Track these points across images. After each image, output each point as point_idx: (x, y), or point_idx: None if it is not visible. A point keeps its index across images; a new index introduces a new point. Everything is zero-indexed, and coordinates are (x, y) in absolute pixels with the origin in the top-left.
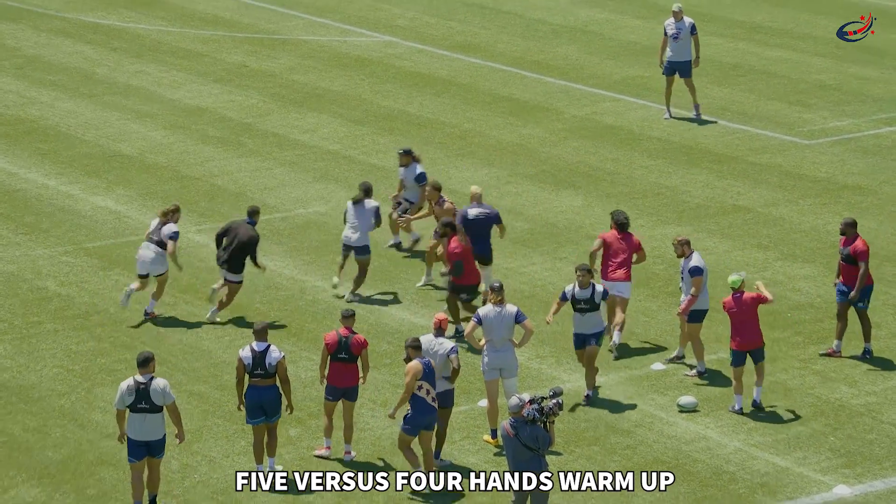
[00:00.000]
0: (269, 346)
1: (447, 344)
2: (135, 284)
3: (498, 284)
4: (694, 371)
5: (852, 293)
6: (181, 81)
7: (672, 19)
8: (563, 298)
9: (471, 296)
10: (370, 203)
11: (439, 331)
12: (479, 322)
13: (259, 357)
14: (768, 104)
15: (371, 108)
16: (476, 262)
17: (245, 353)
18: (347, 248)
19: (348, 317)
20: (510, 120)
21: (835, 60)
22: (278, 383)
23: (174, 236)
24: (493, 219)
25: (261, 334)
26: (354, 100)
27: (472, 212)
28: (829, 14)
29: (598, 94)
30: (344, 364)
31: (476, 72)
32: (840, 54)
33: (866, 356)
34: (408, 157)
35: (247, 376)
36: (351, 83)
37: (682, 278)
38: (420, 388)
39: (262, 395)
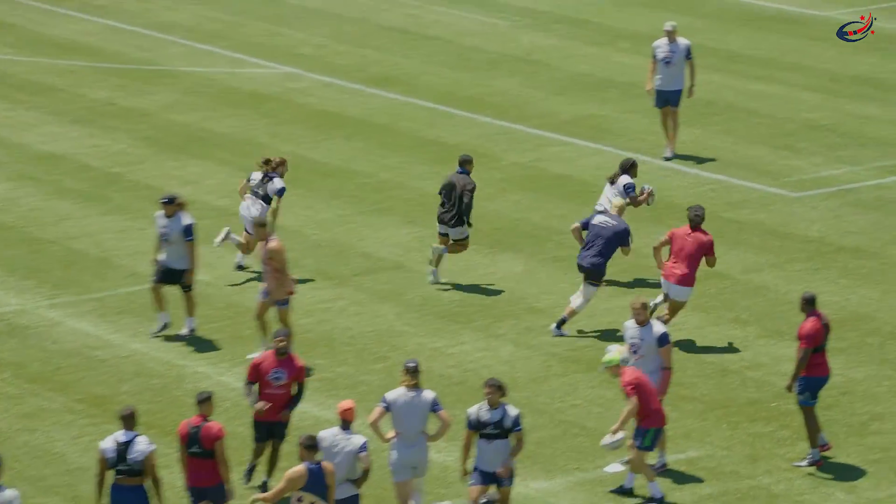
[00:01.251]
0: (136, 436)
1: (356, 439)
2: (239, 237)
3: (413, 364)
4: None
5: (787, 383)
6: (32, 122)
7: (664, 40)
8: (470, 426)
9: None
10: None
11: (346, 423)
12: (388, 408)
13: (123, 449)
14: (749, 149)
15: (268, 154)
16: None
17: (107, 444)
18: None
19: (202, 402)
20: (436, 168)
21: (829, 96)
22: (147, 483)
23: (280, 192)
24: None
25: (128, 421)
26: (247, 144)
27: None
28: (822, 40)
29: (543, 137)
30: (199, 460)
31: (396, 110)
32: (835, 88)
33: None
34: (173, 207)
35: (109, 472)
36: (243, 124)
37: (637, 350)
38: (300, 500)
39: (126, 497)
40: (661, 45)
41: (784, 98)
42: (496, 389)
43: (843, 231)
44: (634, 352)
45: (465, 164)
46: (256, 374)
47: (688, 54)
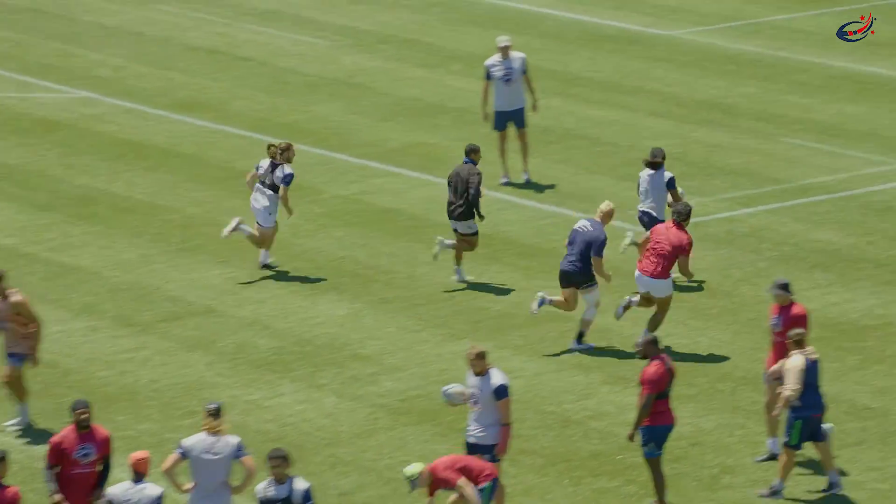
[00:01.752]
0: None
1: (150, 490)
2: (251, 228)
3: (215, 406)
4: None
5: (629, 432)
6: None
7: (498, 57)
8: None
9: None
10: None
11: (138, 476)
12: (184, 455)
13: None
14: (590, 179)
15: (61, 189)
16: None
17: None
18: None
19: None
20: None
21: (676, 122)
22: None
23: (287, 179)
24: None
25: None
26: (38, 176)
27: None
28: (666, 61)
29: (368, 167)
30: None
31: (205, 138)
32: (681, 114)
33: None
34: None
35: None
36: (32, 154)
37: (476, 401)
38: None
39: None
40: (496, 62)
41: (627, 124)
42: (282, 461)
43: (692, 268)
44: (474, 402)
45: (472, 154)
46: (59, 456)
47: (524, 69)
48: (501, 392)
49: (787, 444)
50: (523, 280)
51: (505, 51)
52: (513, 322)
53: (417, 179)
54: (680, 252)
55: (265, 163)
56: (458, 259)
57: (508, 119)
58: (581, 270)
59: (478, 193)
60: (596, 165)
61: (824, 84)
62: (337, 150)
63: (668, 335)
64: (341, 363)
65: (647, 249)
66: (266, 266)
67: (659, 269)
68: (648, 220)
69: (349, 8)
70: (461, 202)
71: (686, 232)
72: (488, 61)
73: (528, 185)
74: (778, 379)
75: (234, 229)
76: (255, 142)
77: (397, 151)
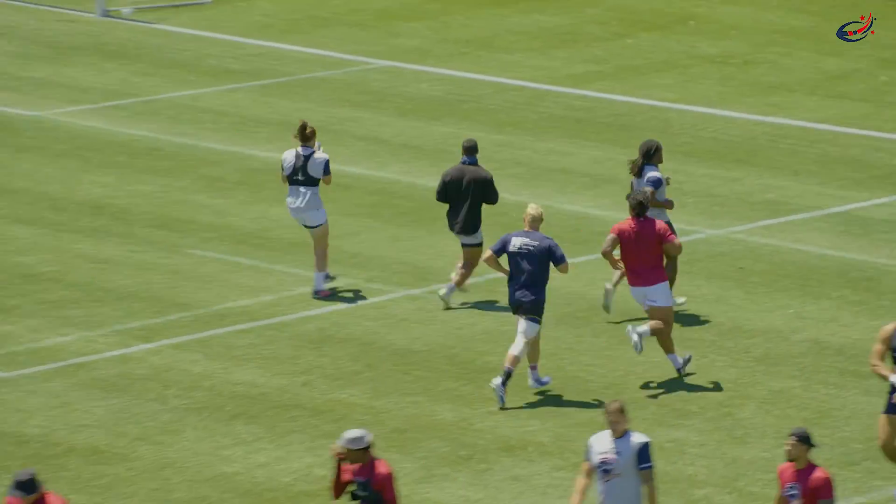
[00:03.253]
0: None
1: None
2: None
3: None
4: None
5: None
6: None
7: None
8: None
9: None
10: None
11: None
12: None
13: None
14: None
15: None
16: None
17: None
18: None
19: None
20: None
21: (50, 230)
22: None
23: (326, 167)
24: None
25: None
26: None
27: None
28: (37, 151)
29: None
30: None
31: None
32: (58, 220)
33: None
34: None
35: None
36: None
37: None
38: None
39: None
40: None
41: None
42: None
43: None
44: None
45: (472, 151)
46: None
47: None
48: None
49: None
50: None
51: None
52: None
53: None
54: (664, 241)
55: (289, 155)
56: (462, 282)
57: None
58: (539, 298)
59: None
60: None
61: (242, 180)
62: None
63: None
64: None
65: (626, 259)
66: (327, 276)
67: (655, 274)
68: None
69: None
70: (466, 211)
71: (654, 219)
72: None
73: None
74: None
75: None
76: None
77: None
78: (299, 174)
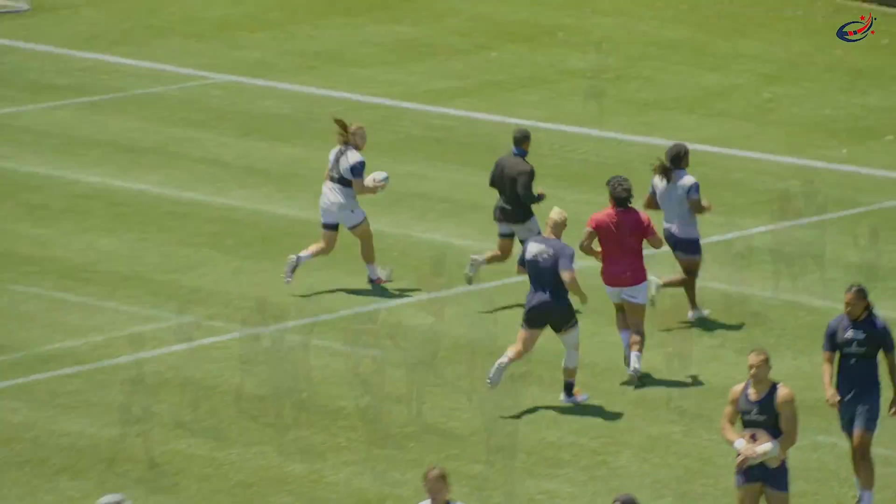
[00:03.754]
0: None
1: None
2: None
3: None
4: None
5: None
6: None
7: None
8: None
9: None
10: None
11: None
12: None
13: None
14: None
15: None
16: None
17: None
18: None
19: None
20: None
21: None
22: None
23: (358, 169)
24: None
25: None
26: None
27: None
28: None
29: None
30: None
31: None
32: None
33: None
34: None
35: None
36: None
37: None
38: None
39: None
40: None
41: None
42: None
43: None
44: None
45: (522, 143)
46: None
47: None
48: None
49: None
50: None
51: None
52: None
53: None
54: (646, 236)
55: (333, 152)
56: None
57: None
58: (565, 306)
59: (527, 194)
60: None
61: (68, 208)
62: None
63: None
64: None
65: (605, 253)
66: (372, 280)
67: (631, 271)
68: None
69: None
70: (509, 202)
71: (636, 210)
72: None
73: None
74: None
75: (296, 267)
76: None
77: None
78: (334, 171)
